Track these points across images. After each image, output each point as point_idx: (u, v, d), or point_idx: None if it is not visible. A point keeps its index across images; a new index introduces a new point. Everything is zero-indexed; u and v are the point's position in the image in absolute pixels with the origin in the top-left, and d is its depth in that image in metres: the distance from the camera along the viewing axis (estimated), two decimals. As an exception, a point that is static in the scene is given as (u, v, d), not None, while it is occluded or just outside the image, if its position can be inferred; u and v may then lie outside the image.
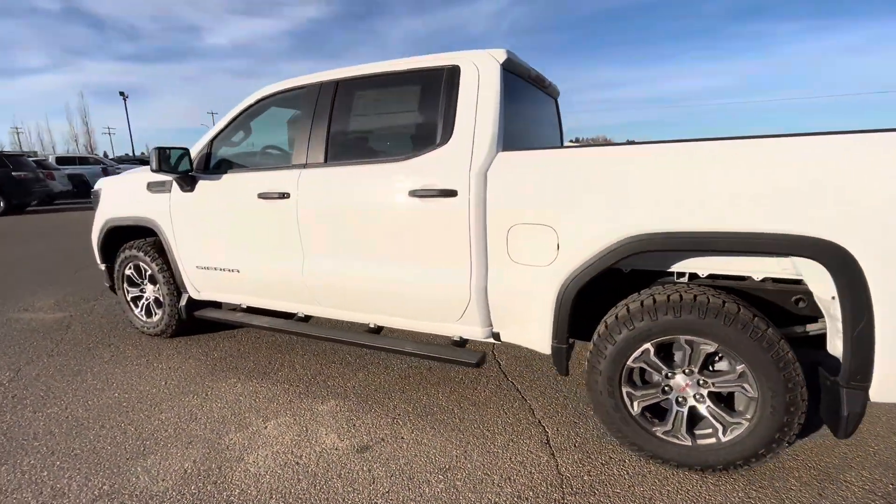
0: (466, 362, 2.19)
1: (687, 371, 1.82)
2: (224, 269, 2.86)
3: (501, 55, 2.14)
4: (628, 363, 1.85)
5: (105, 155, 48.30)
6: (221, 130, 2.86)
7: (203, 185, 2.83)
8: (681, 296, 1.75)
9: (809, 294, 1.85)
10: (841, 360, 1.62)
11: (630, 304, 1.83)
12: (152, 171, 2.69)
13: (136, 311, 3.48)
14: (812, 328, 1.84)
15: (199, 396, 2.57)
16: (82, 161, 19.68)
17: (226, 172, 2.79)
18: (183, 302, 3.17)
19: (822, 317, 1.83)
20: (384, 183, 2.24)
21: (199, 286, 3.07)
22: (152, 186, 3.05)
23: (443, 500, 1.76)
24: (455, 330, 2.30)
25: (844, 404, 1.55)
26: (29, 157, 14.67)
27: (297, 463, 1.99)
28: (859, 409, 1.54)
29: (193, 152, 2.86)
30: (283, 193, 2.49)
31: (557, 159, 1.89)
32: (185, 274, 3.07)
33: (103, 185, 3.46)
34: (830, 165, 1.48)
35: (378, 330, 2.64)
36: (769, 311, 1.90)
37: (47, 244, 7.69)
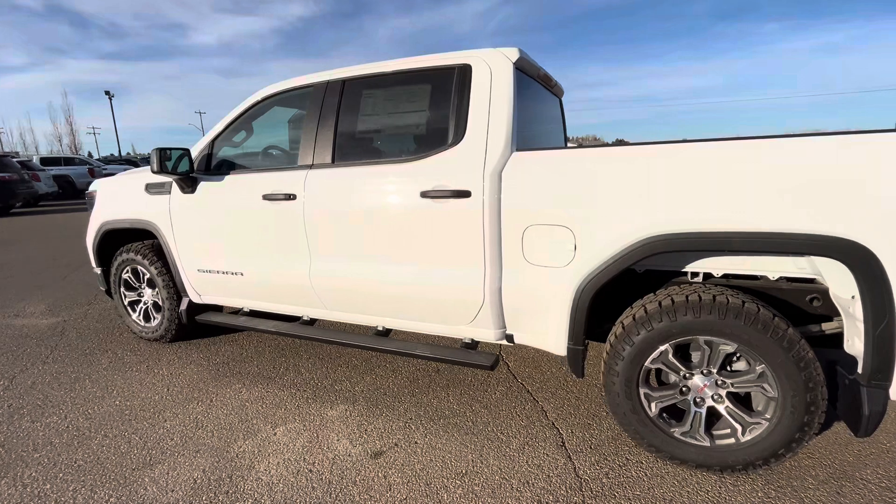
0: (481, 365, 2.16)
1: (705, 371, 1.81)
2: (227, 273, 2.80)
3: (514, 54, 2.12)
4: (646, 364, 1.84)
5: (90, 155, 47.44)
6: (223, 131, 2.80)
7: (204, 186, 2.77)
8: (699, 296, 1.74)
9: (824, 293, 1.85)
10: (857, 359, 1.62)
11: (648, 304, 1.82)
12: (153, 172, 2.62)
13: (134, 315, 3.39)
14: (828, 327, 1.84)
15: (203, 403, 2.51)
16: (67, 162, 19.26)
17: (228, 173, 2.73)
18: (183, 306, 3.10)
19: (837, 315, 1.84)
20: (394, 184, 2.21)
21: (200, 290, 3.00)
22: (151, 188, 2.98)
23: (462, 507, 1.73)
24: (467, 332, 2.27)
25: (865, 403, 1.55)
26: (12, 157, 14.30)
27: (311, 470, 1.94)
28: (881, 407, 1.54)
29: (194, 153, 2.80)
30: (290, 195, 2.44)
31: (575, 159, 1.87)
32: (185, 277, 3.00)
33: (99, 186, 3.37)
34: (852, 165, 1.48)
35: (386, 333, 2.60)
36: (783, 311, 1.90)
37: (35, 247, 7.50)
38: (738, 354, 1.76)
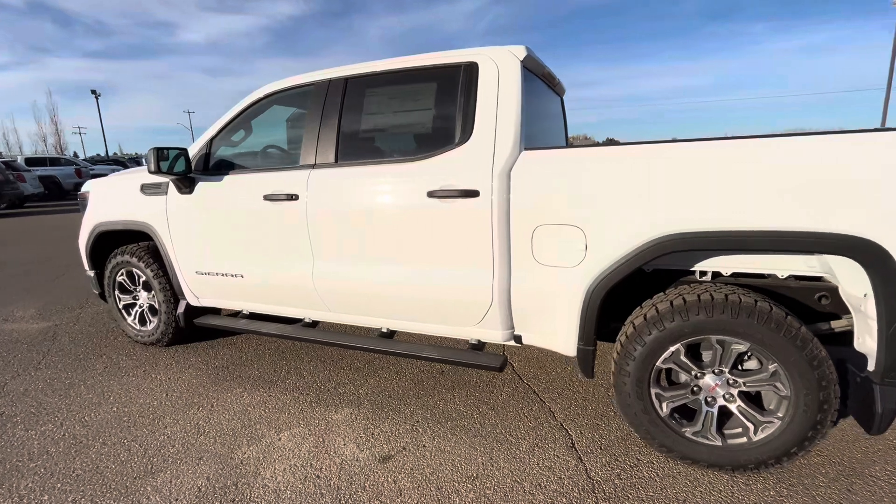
0: (489, 366, 2.14)
1: (716, 371, 1.81)
2: (226, 275, 2.74)
3: (521, 52, 2.09)
4: (658, 364, 1.83)
5: (75, 155, 46.60)
6: (221, 130, 2.74)
7: (203, 186, 2.71)
8: (712, 296, 1.73)
9: (833, 291, 1.86)
10: (868, 357, 1.63)
11: (659, 304, 1.81)
12: (150, 172, 2.56)
13: (129, 319, 3.32)
14: (838, 325, 1.85)
15: (204, 408, 2.46)
16: (53, 162, 18.88)
17: (227, 173, 2.67)
18: (181, 309, 3.03)
19: (846, 313, 1.84)
20: (400, 183, 2.17)
21: (198, 292, 2.94)
22: (146, 188, 2.91)
23: (475, 511, 1.70)
24: (474, 333, 2.25)
25: (879, 401, 1.56)
26: (-4, 158, 14.01)
27: (318, 476, 1.91)
28: (894, 405, 1.55)
29: (192, 153, 2.74)
30: (292, 195, 2.39)
31: (586, 158, 1.85)
32: (183, 280, 2.94)
33: (92, 187, 3.29)
34: (866, 163, 1.48)
35: (391, 334, 2.57)
36: (790, 309, 1.90)
37: (22, 249, 7.33)
38: (749, 353, 1.76)
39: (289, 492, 1.82)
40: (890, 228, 1.44)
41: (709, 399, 1.84)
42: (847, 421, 2.13)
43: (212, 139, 2.74)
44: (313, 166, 2.40)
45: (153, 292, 3.12)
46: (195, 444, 2.15)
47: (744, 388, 1.79)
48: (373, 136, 2.47)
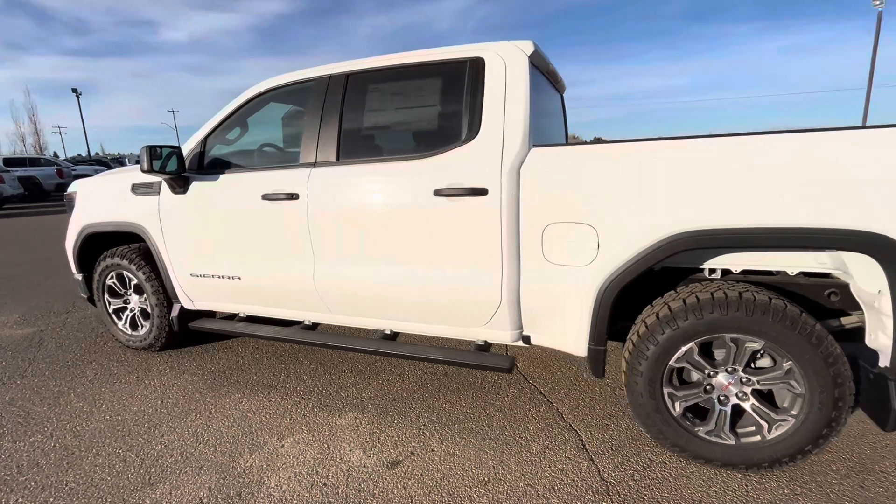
0: (498, 368, 2.10)
1: (729, 369, 1.79)
2: (223, 277, 2.66)
3: (529, 47, 2.06)
4: (670, 363, 1.80)
5: (56, 155, 45.50)
6: (216, 128, 2.65)
7: (197, 186, 2.62)
8: (725, 293, 1.71)
9: (843, 287, 1.85)
10: (879, 353, 1.62)
11: (671, 302, 1.79)
12: (143, 171, 2.46)
13: (120, 323, 3.21)
14: (848, 322, 1.85)
15: (202, 415, 2.37)
16: (33, 162, 18.37)
17: (223, 172, 2.59)
18: (175, 313, 2.94)
19: (857, 310, 1.84)
20: (404, 182, 2.12)
21: (193, 295, 2.85)
22: (138, 188, 2.81)
23: (489, 517, 1.66)
24: (481, 334, 2.20)
25: (894, 398, 1.55)
26: (-27, 158, 13.57)
27: (325, 484, 1.85)
28: (909, 402, 1.54)
29: (185, 151, 2.65)
30: (292, 194, 2.32)
31: (597, 155, 1.82)
32: (176, 283, 2.85)
33: (79, 187, 3.17)
34: (880, 159, 1.47)
35: (394, 336, 2.51)
36: (801, 306, 1.90)
37: (3, 252, 7.09)
38: (762, 351, 1.75)
39: (295, 501, 1.76)
40: (907, 224, 1.43)
41: (722, 398, 1.83)
42: (854, 417, 2.13)
43: (206, 137, 2.66)
44: (314, 165, 2.33)
45: (145, 296, 3.02)
46: (194, 452, 2.07)
47: (757, 387, 1.78)
48: (375, 134, 2.42)
